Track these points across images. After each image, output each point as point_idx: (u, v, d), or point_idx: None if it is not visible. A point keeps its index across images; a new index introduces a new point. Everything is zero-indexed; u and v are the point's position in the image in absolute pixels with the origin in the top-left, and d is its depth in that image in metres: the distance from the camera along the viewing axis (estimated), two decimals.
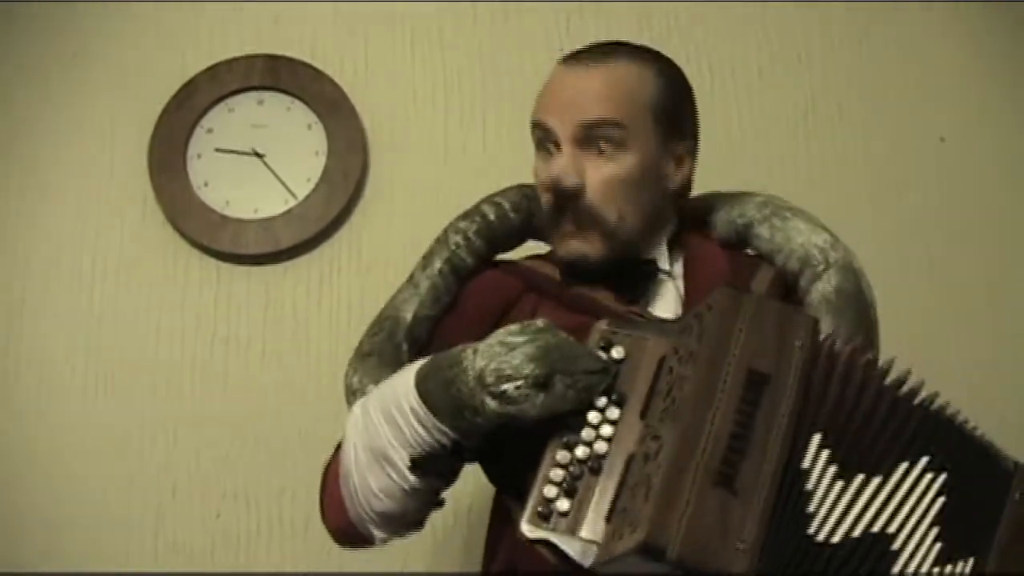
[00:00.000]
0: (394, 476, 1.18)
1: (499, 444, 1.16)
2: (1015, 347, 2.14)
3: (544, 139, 1.30)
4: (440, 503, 1.26)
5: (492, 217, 1.40)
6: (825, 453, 1.04)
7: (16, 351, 2.12)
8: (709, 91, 2.23)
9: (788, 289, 1.34)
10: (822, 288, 1.30)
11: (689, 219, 1.40)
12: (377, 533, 1.25)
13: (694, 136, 1.38)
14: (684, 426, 1.01)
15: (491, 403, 1.09)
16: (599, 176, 1.26)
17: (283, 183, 2.16)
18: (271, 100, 2.20)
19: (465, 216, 1.41)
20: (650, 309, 1.29)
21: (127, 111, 2.21)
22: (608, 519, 1.06)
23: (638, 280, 1.32)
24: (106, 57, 2.24)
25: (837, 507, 1.03)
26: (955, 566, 1.05)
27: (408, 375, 1.18)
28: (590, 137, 1.26)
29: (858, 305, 1.30)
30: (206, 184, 2.16)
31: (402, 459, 1.16)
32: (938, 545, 1.05)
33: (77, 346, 2.11)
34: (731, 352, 1.04)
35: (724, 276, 1.32)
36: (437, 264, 1.38)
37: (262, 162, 2.17)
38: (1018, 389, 2.11)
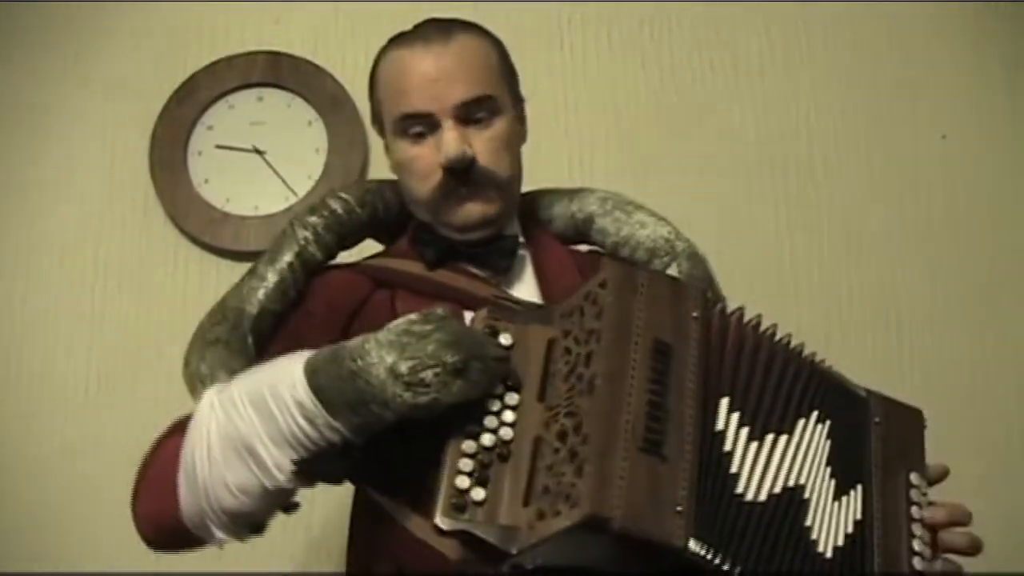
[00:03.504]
0: (257, 472, 1.10)
1: (385, 444, 1.11)
2: (1017, 345, 2.14)
3: (416, 124, 1.31)
4: (293, 506, 1.19)
5: (340, 211, 1.40)
6: (735, 416, 1.08)
7: (18, 349, 2.12)
8: (711, 91, 2.23)
9: None
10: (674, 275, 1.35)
11: (529, 215, 1.45)
12: (217, 533, 1.17)
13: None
14: (603, 399, 1.02)
15: (405, 394, 1.05)
16: (484, 144, 1.31)
17: (284, 180, 2.16)
18: (272, 97, 2.20)
19: (312, 211, 1.40)
20: (511, 288, 1.34)
21: (128, 109, 2.21)
22: (525, 503, 1.05)
23: (501, 256, 1.35)
24: (107, 55, 2.24)
25: (757, 466, 1.07)
26: (848, 496, 1.11)
27: (291, 367, 1.10)
28: (469, 112, 1.30)
29: (710, 288, 1.36)
30: (207, 181, 2.16)
31: (273, 458, 1.09)
32: (833, 482, 1.11)
33: (78, 344, 2.12)
34: (635, 325, 1.06)
35: (569, 262, 1.38)
36: (286, 258, 1.36)
37: (263, 159, 2.17)
38: (1020, 387, 2.11)
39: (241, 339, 1.29)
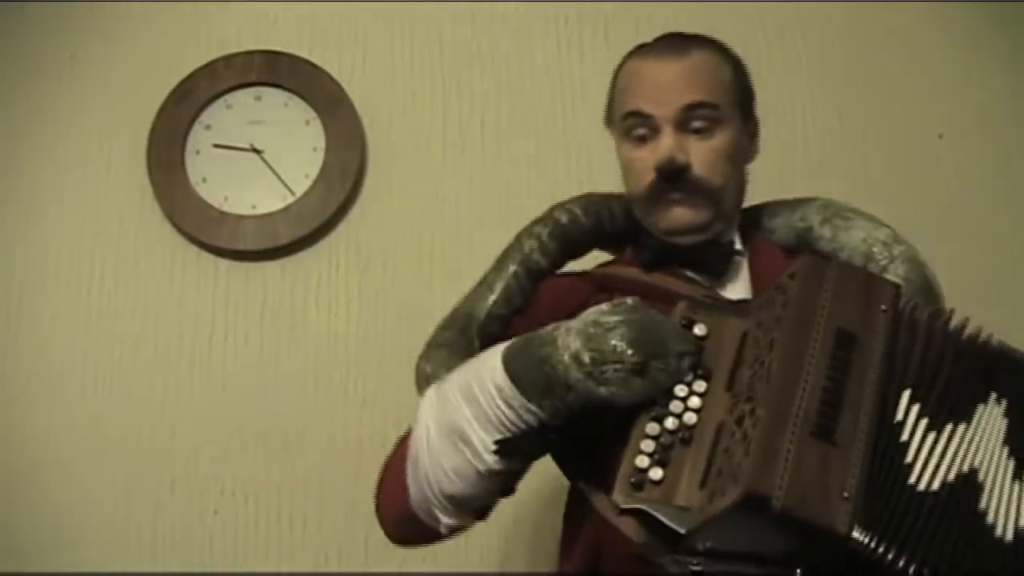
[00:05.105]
0: (469, 456, 1.19)
1: (580, 427, 1.17)
2: (1016, 345, 2.14)
3: (639, 126, 1.36)
4: (511, 490, 1.26)
5: (564, 220, 1.45)
6: (916, 408, 1.07)
7: (15, 348, 2.12)
8: None
9: None
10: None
11: (748, 224, 1.47)
12: (443, 519, 1.25)
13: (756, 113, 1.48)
14: (778, 383, 1.03)
15: (588, 383, 1.11)
16: (701, 153, 1.33)
17: (281, 179, 2.16)
18: (269, 96, 2.20)
19: (538, 221, 1.46)
20: (724, 292, 1.36)
21: (125, 108, 2.21)
22: (702, 485, 1.06)
23: (716, 261, 1.38)
24: (104, 55, 2.24)
25: (933, 456, 1.06)
26: None
27: (493, 356, 1.20)
28: (688, 119, 1.33)
29: (926, 293, 1.36)
30: (204, 180, 2.16)
31: (480, 439, 1.18)
32: (1011, 463, 1.09)
33: (75, 343, 2.11)
34: (819, 313, 1.08)
35: (787, 266, 1.38)
36: (512, 266, 1.42)
37: (260, 158, 2.17)
38: None
39: (468, 342, 1.36)
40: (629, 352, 1.11)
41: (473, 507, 1.26)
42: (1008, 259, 2.18)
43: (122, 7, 2.25)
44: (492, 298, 1.40)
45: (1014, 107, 2.24)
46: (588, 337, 1.13)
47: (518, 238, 1.45)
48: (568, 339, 1.14)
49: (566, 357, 1.12)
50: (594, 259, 1.51)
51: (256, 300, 2.15)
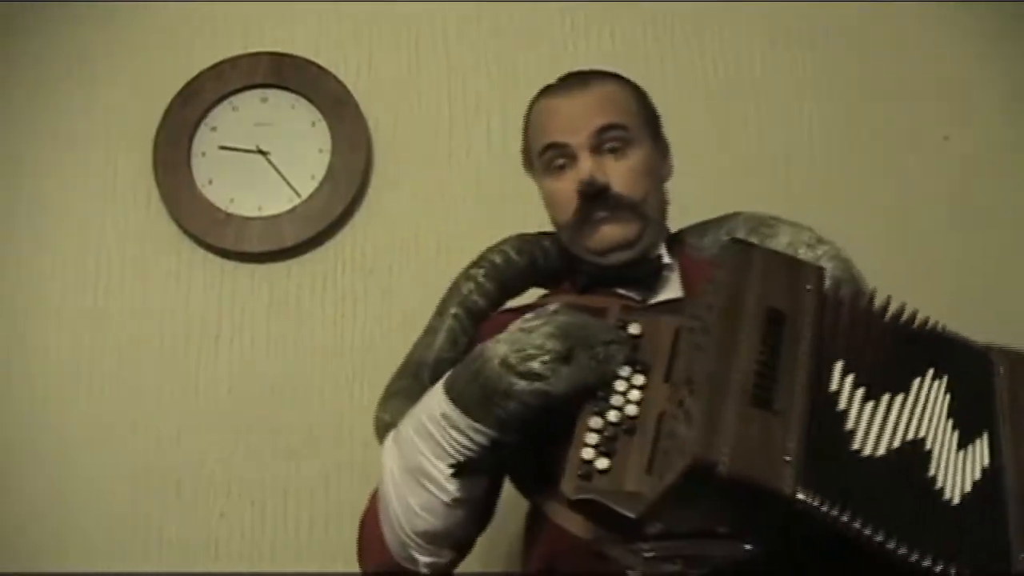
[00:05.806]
0: (433, 489, 1.22)
1: (532, 441, 1.20)
2: (1020, 347, 2.14)
3: (557, 157, 1.42)
4: (484, 519, 1.31)
5: (499, 261, 1.51)
6: (850, 378, 1.11)
7: (20, 349, 2.12)
8: (713, 92, 2.23)
9: None
10: None
11: (679, 244, 1.51)
12: (422, 558, 1.27)
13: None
14: (715, 362, 1.06)
15: (520, 382, 1.15)
16: (619, 172, 1.39)
17: (287, 181, 2.16)
18: (275, 98, 2.20)
19: (473, 265, 1.51)
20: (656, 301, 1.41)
21: (132, 110, 2.21)
22: (649, 470, 1.10)
23: (648, 276, 1.43)
24: (111, 57, 2.24)
25: (873, 424, 1.09)
26: (973, 446, 1.13)
27: (437, 388, 1.24)
28: (602, 142, 1.40)
29: (853, 286, 1.39)
30: (210, 182, 2.17)
31: (440, 470, 1.21)
32: (955, 434, 1.13)
33: (81, 344, 2.12)
34: (747, 295, 1.11)
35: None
36: (452, 310, 1.47)
37: (266, 160, 2.17)
38: None
39: (422, 388, 1.36)
40: (552, 344, 1.15)
41: (448, 542, 1.28)
42: (1013, 260, 2.18)
43: (128, 9, 2.25)
44: (438, 343, 1.45)
45: (1020, 108, 2.24)
46: (513, 341, 1.17)
47: (455, 283, 1.50)
48: (496, 348, 1.18)
49: (496, 364, 1.16)
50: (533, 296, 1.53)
51: (262, 302, 2.15)
